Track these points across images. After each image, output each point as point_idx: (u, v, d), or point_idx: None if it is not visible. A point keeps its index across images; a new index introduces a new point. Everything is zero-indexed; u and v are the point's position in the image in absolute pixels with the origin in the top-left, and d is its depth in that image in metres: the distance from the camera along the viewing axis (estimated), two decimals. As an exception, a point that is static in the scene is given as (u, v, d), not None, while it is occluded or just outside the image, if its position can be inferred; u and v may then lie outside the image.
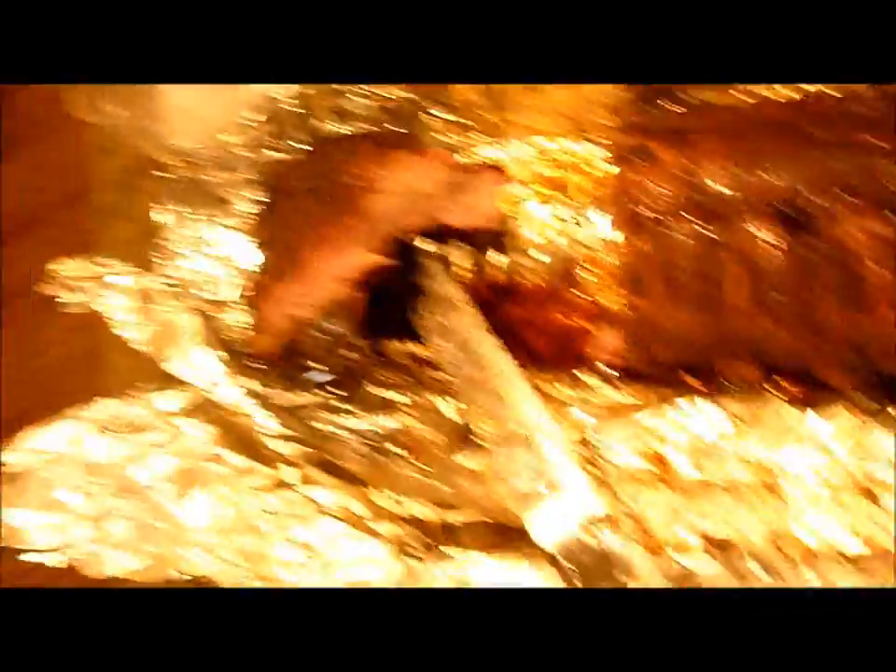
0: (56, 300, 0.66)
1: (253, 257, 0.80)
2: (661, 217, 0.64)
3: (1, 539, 0.58)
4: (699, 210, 0.63)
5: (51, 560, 0.59)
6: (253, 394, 0.64)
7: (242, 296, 0.66)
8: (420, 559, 0.57)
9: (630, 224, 0.66)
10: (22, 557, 0.59)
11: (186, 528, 0.61)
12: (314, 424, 0.63)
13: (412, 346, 0.72)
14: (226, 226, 0.82)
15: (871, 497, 0.54)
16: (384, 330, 0.71)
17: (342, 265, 0.62)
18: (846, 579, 0.52)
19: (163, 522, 0.61)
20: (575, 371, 0.66)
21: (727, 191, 0.62)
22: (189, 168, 0.83)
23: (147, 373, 0.94)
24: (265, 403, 0.64)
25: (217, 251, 0.81)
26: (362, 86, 0.80)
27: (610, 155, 0.76)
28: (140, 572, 0.60)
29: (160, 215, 0.83)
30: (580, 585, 0.53)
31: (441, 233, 0.68)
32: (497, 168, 0.66)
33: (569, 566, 0.53)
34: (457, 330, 0.64)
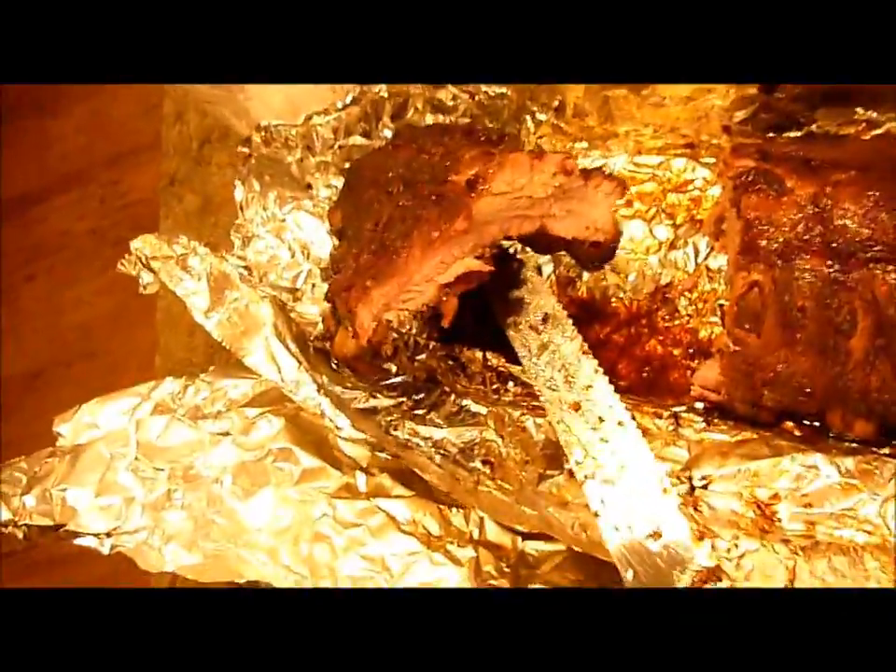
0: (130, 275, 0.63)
1: (328, 244, 0.77)
2: (782, 251, 0.60)
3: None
4: (826, 247, 0.59)
5: (103, 546, 0.56)
6: (328, 392, 0.60)
7: (328, 295, 0.62)
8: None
9: (746, 253, 0.61)
10: (79, 542, 0.55)
11: (245, 525, 0.58)
12: (391, 431, 0.59)
13: (493, 359, 0.69)
14: (305, 206, 0.78)
15: None
16: (470, 340, 0.67)
17: (444, 269, 0.57)
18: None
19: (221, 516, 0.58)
20: (674, 408, 0.61)
21: (860, 230, 0.58)
22: (270, 145, 0.79)
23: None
24: (340, 402, 0.60)
25: (294, 235, 0.78)
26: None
27: (721, 176, 0.72)
28: (193, 570, 0.56)
29: (237, 191, 0.79)
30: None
31: (546, 243, 0.64)
32: (616, 178, 0.62)
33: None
34: (556, 348, 0.60)
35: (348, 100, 0.77)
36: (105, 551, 0.56)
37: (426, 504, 0.57)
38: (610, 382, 0.66)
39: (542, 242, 0.64)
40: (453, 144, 0.70)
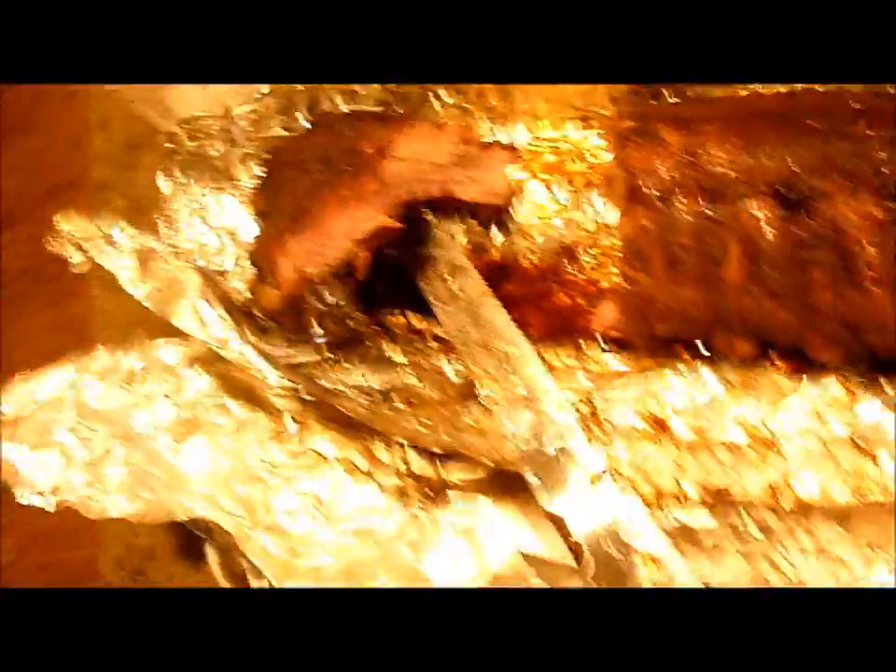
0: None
1: (254, 229, 0.81)
2: (662, 195, 0.67)
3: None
4: (699, 189, 0.66)
5: (48, 503, 0.59)
6: (256, 349, 0.64)
7: (251, 249, 0.66)
8: (423, 508, 0.57)
9: (631, 201, 0.68)
10: (21, 499, 0.58)
11: (183, 476, 0.61)
12: (317, 380, 0.64)
13: (410, 318, 0.74)
14: (230, 196, 0.82)
15: (860, 452, 0.56)
16: (384, 301, 0.72)
17: (357, 225, 0.63)
18: (833, 530, 0.53)
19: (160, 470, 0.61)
20: (579, 340, 0.67)
21: (727, 172, 0.65)
22: (195, 140, 0.84)
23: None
24: (269, 358, 0.64)
25: (221, 223, 0.82)
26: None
27: (610, 141, 0.79)
28: (136, 516, 0.59)
29: (163, 184, 0.83)
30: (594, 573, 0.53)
31: (451, 207, 0.69)
32: (509, 147, 0.69)
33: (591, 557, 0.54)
34: (463, 295, 0.65)
35: (266, 91, 0.82)
36: (51, 508, 0.59)
37: (352, 442, 0.61)
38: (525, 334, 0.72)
39: (448, 207, 0.70)
40: (365, 127, 0.76)
